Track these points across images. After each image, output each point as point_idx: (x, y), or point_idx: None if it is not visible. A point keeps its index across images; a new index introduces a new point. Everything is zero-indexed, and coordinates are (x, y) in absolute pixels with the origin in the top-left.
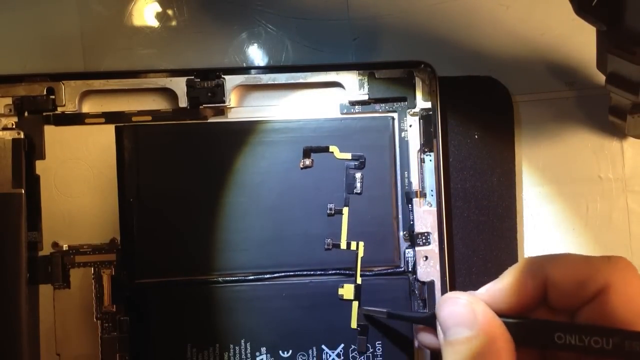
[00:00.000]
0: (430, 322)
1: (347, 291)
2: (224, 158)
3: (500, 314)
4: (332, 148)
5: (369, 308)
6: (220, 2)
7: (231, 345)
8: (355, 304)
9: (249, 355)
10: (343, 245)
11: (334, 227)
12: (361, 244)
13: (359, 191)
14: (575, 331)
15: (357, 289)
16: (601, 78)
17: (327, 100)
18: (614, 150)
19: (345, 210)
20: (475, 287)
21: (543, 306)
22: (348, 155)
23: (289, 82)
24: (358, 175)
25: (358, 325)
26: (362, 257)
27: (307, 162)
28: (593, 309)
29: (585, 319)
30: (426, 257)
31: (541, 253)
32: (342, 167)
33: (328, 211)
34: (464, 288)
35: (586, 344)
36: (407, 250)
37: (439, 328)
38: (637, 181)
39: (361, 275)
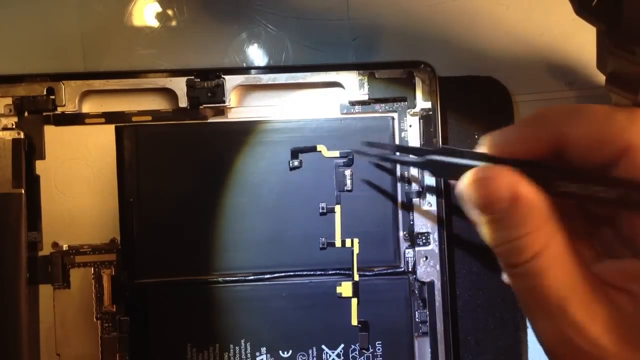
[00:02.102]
0: (427, 166)
1: (345, 289)
2: (224, 158)
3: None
4: (320, 147)
5: (360, 150)
6: (220, 2)
7: (231, 345)
8: (354, 301)
9: (249, 355)
10: (338, 244)
11: (331, 226)
12: (356, 240)
13: (349, 188)
14: (578, 179)
15: (355, 285)
16: (601, 78)
17: (327, 100)
18: None
19: (338, 208)
20: (475, 287)
21: (559, 159)
22: (336, 153)
23: (289, 82)
24: (347, 172)
25: (359, 322)
26: (362, 257)
27: (296, 162)
28: (625, 170)
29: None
30: (426, 257)
31: None
32: (332, 166)
33: (320, 210)
34: (464, 288)
35: (588, 193)
36: (407, 250)
37: (470, 207)
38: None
39: (361, 276)
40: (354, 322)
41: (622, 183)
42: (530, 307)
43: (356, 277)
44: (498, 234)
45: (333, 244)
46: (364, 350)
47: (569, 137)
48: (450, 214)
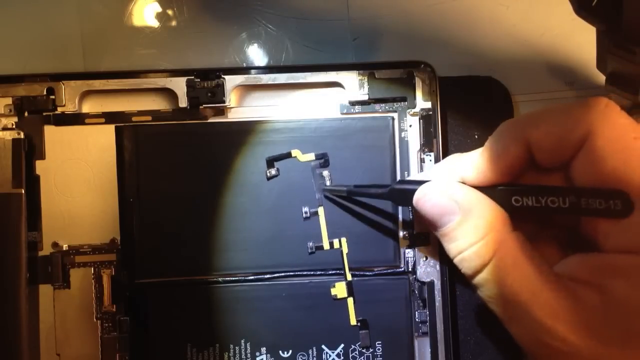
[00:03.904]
0: (390, 196)
1: (339, 290)
2: (224, 158)
3: (485, 185)
4: (295, 152)
5: (330, 187)
6: (220, 2)
7: (231, 345)
8: (350, 301)
9: (249, 355)
10: (326, 246)
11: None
12: (344, 240)
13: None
14: (532, 193)
15: (349, 285)
16: (601, 78)
17: (327, 100)
18: None
19: (321, 210)
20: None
21: (532, 168)
22: (312, 156)
23: (289, 82)
24: (325, 173)
25: (358, 321)
26: (362, 257)
27: (273, 171)
28: (582, 161)
29: (578, 173)
30: (426, 257)
31: None
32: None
33: (304, 215)
34: (464, 288)
35: (543, 205)
36: (407, 250)
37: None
38: None
39: (361, 276)
40: (353, 321)
41: (573, 191)
42: (499, 314)
43: (349, 277)
44: (451, 245)
45: (321, 247)
46: (364, 350)
47: (532, 140)
48: None
